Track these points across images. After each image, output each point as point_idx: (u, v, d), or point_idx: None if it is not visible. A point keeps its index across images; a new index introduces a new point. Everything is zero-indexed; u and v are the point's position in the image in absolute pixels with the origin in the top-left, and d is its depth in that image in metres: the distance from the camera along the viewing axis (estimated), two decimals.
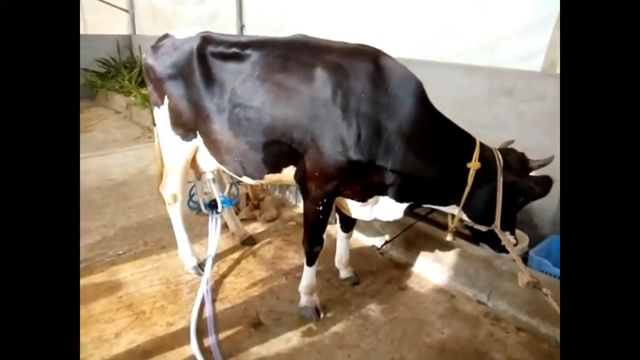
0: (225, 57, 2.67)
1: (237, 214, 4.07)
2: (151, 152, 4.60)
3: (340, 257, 3.31)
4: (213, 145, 2.81)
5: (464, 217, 2.58)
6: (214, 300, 3.03)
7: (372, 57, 2.43)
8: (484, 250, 3.23)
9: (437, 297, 3.20)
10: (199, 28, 2.94)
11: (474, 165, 2.37)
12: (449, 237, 2.69)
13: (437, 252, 3.45)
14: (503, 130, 3.43)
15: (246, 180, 2.92)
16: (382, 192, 2.57)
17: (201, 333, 2.71)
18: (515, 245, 2.60)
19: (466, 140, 2.47)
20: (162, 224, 3.99)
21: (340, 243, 3.28)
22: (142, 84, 8.36)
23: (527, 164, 2.42)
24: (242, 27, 6.84)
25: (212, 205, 3.54)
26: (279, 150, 2.56)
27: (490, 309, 3.07)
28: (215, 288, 3.19)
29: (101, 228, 4.03)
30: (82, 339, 2.63)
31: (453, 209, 2.58)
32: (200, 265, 3.34)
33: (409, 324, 2.90)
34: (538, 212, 3.56)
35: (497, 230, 2.44)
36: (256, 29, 6.59)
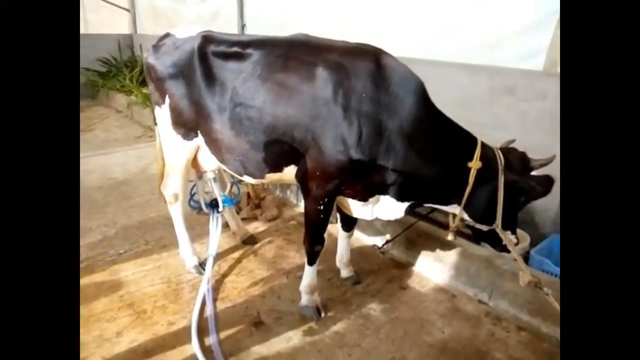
0: (227, 56, 2.67)
1: (238, 213, 4.07)
2: (152, 152, 4.60)
3: (341, 256, 3.31)
4: (214, 144, 2.81)
5: (465, 216, 2.58)
6: (215, 300, 3.03)
7: (373, 56, 2.43)
8: (485, 250, 3.23)
9: (438, 296, 3.20)
10: (200, 27, 2.93)
11: (475, 164, 2.37)
12: (450, 237, 2.69)
13: (438, 252, 3.44)
14: (504, 130, 3.42)
15: (247, 179, 2.92)
16: (383, 191, 2.57)
17: (202, 332, 2.71)
18: (517, 244, 2.59)
19: (467, 140, 2.47)
20: (163, 223, 4.00)
21: (341, 242, 3.29)
22: (143, 83, 8.37)
23: (528, 163, 2.41)
24: (243, 27, 6.84)
25: (213, 204, 3.54)
26: (280, 149, 2.56)
27: (492, 308, 3.07)
28: (216, 287, 3.19)
29: (102, 227, 4.03)
30: (84, 337, 2.64)
31: (454, 209, 2.58)
32: (201, 265, 3.35)
33: (409, 324, 2.90)
34: (539, 211, 3.56)
35: (498, 230, 2.44)
36: (257, 28, 6.59)
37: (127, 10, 10.21)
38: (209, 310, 2.88)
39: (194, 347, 2.58)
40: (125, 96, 8.65)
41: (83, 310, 2.86)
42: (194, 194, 3.86)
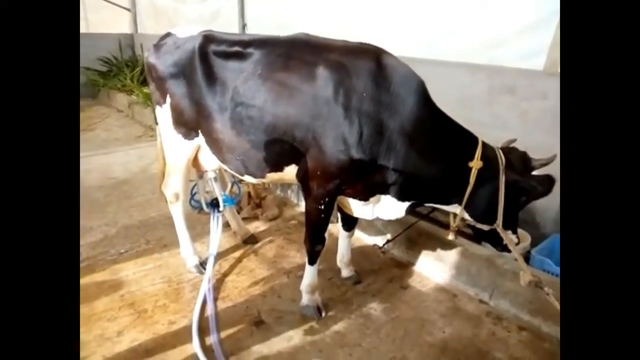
0: (227, 55, 2.67)
1: (238, 212, 4.07)
2: (153, 151, 4.62)
3: (342, 255, 3.31)
4: (215, 144, 2.81)
5: (466, 216, 2.57)
6: (215, 299, 3.03)
7: (374, 55, 2.42)
8: (486, 249, 3.23)
9: (438, 296, 3.20)
10: (201, 27, 2.93)
11: (476, 164, 2.37)
12: (450, 236, 2.69)
13: (439, 251, 3.44)
14: (505, 129, 3.42)
15: (248, 179, 2.92)
16: (384, 191, 2.57)
17: (203, 331, 2.71)
18: (517, 244, 2.59)
19: (468, 139, 2.46)
20: (164, 223, 4.00)
21: (342, 242, 3.29)
22: (144, 82, 8.38)
23: (529, 163, 2.41)
24: (244, 26, 6.84)
25: (214, 204, 3.54)
26: (281, 149, 2.56)
27: (492, 308, 3.07)
28: (217, 287, 3.20)
29: (103, 226, 4.04)
30: (85, 337, 2.64)
31: (455, 208, 2.58)
32: (202, 264, 3.35)
33: (410, 323, 2.90)
34: (540, 211, 3.55)
35: (499, 229, 2.44)
36: (258, 28, 6.59)
37: (128, 9, 10.22)
38: (209, 310, 2.88)
39: (195, 346, 2.58)
40: (126, 96, 8.66)
41: (84, 310, 2.87)
42: (195, 193, 3.86)
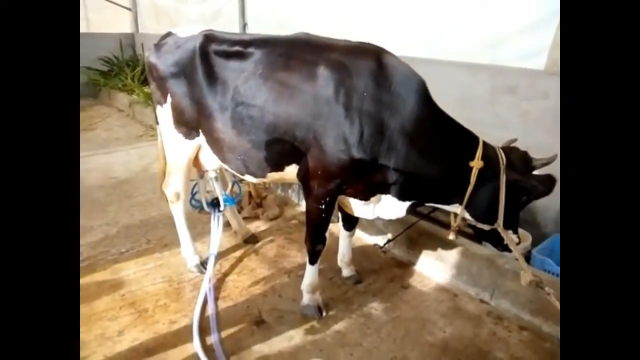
0: (228, 55, 2.67)
1: (239, 212, 4.07)
2: (154, 151, 4.62)
3: (343, 255, 3.31)
4: (216, 143, 2.81)
5: (467, 215, 2.57)
6: (216, 299, 3.03)
7: (374, 55, 2.42)
8: (487, 249, 3.22)
9: (439, 295, 3.20)
10: (202, 26, 2.93)
11: (476, 163, 2.37)
12: (451, 236, 2.69)
13: (440, 251, 3.44)
14: (506, 129, 3.42)
15: (249, 178, 2.92)
16: (385, 190, 2.57)
17: (204, 331, 2.71)
18: (518, 244, 2.58)
19: (469, 139, 2.46)
20: (165, 222, 4.00)
21: (343, 241, 3.29)
22: (144, 82, 8.39)
23: (530, 162, 2.41)
24: (244, 25, 6.85)
25: (215, 203, 3.54)
26: (282, 148, 2.56)
27: (493, 307, 3.07)
28: (218, 286, 3.20)
29: (104, 226, 4.04)
30: (85, 336, 2.65)
31: (456, 208, 2.58)
32: (203, 264, 3.35)
33: (411, 323, 2.90)
34: (541, 210, 3.55)
35: (500, 229, 2.43)
36: (259, 27, 6.59)
37: (129, 9, 10.23)
38: (210, 309, 2.88)
39: (196, 346, 2.58)
40: (127, 95, 8.66)
41: (85, 309, 2.87)
42: (196, 193, 3.87)
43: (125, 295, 3.07)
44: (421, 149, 2.39)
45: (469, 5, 3.93)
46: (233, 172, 3.02)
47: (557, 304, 2.23)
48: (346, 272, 3.34)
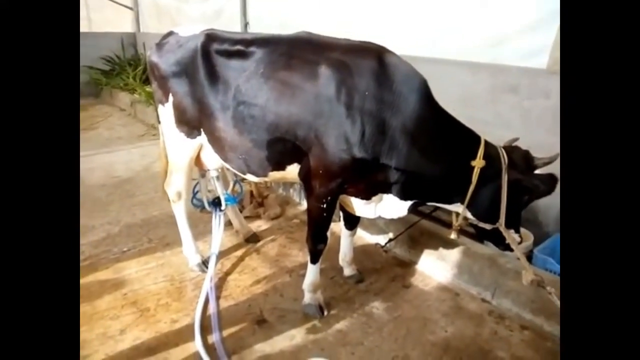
0: (230, 54, 2.67)
1: (241, 211, 4.08)
2: (156, 150, 4.62)
3: (344, 254, 3.31)
4: (217, 142, 2.81)
5: (469, 215, 2.57)
6: (218, 298, 3.04)
7: (376, 54, 2.42)
8: (489, 249, 3.22)
9: (441, 295, 3.20)
10: (204, 25, 2.94)
11: (478, 163, 2.36)
12: (453, 235, 2.69)
13: (441, 250, 3.44)
14: (507, 128, 3.41)
15: (250, 177, 2.92)
16: (386, 189, 2.56)
17: (205, 330, 2.72)
18: (520, 243, 2.58)
19: (471, 138, 2.46)
20: (167, 221, 4.01)
21: (344, 241, 3.29)
22: (146, 81, 8.39)
23: (531, 161, 2.41)
24: (246, 25, 6.85)
25: (216, 202, 3.54)
26: (283, 147, 2.56)
27: (495, 307, 3.06)
28: (219, 285, 3.20)
29: (106, 225, 4.05)
30: (87, 335, 2.65)
31: (457, 207, 2.57)
32: (204, 263, 3.35)
33: (412, 322, 2.90)
34: (543, 210, 3.55)
35: (502, 229, 2.43)
36: (260, 27, 6.59)
37: (130, 8, 10.23)
38: (212, 308, 2.89)
39: (197, 345, 2.59)
40: (129, 94, 8.67)
41: (87, 308, 2.88)
42: (197, 192, 3.87)
43: (127, 294, 3.07)
44: (423, 148, 2.39)
45: (470, 4, 3.92)
46: (234, 171, 3.02)
47: (559, 303, 2.23)
48: (348, 271, 3.34)
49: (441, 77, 2.88)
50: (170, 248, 3.66)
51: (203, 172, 3.51)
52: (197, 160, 3.14)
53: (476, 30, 3.91)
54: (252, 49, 2.63)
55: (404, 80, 2.36)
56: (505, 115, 3.68)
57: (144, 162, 5.80)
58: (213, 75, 2.67)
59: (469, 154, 2.39)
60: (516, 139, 2.62)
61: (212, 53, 2.69)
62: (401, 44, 3.28)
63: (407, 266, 3.56)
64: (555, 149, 2.27)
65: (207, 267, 3.25)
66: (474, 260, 3.27)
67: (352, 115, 2.33)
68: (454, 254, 3.36)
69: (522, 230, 2.75)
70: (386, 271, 3.48)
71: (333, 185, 2.52)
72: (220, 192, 3.49)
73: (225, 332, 2.73)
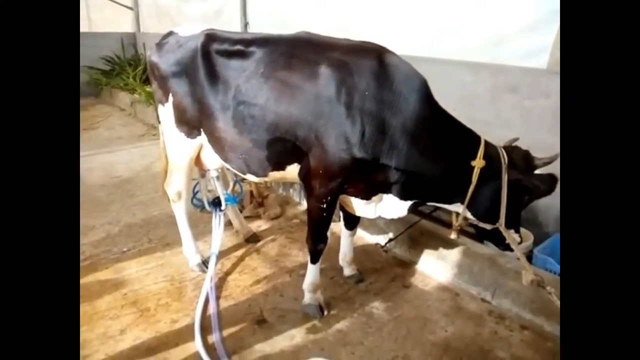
0: (230, 54, 2.67)
1: (241, 211, 4.08)
2: (156, 150, 4.62)
3: (344, 254, 3.31)
4: (217, 142, 2.81)
5: (469, 215, 2.57)
6: (218, 298, 3.04)
7: (376, 54, 2.42)
8: (489, 249, 3.22)
9: (441, 295, 3.20)
10: (203, 25, 2.94)
11: (478, 163, 2.36)
12: (453, 235, 2.69)
13: (441, 250, 3.44)
14: (507, 128, 3.41)
15: (250, 177, 2.92)
16: (386, 189, 2.56)
17: (205, 330, 2.72)
18: (520, 243, 2.59)
19: (471, 138, 2.46)
20: (167, 221, 4.01)
21: (344, 241, 3.29)
22: (146, 81, 8.40)
23: (532, 161, 2.41)
24: (246, 25, 6.85)
25: (216, 202, 3.54)
26: (283, 147, 2.56)
27: (495, 307, 3.06)
28: (219, 285, 3.20)
29: (106, 225, 4.05)
30: (88, 335, 2.65)
31: (457, 207, 2.58)
32: (204, 263, 3.35)
33: (412, 322, 2.90)
34: (543, 210, 3.55)
35: (502, 229, 2.43)
36: (260, 26, 6.59)
37: (131, 8, 10.23)
38: (212, 308, 2.88)
39: (197, 345, 2.59)
40: (129, 94, 8.67)
41: (87, 308, 2.88)
42: (197, 192, 3.87)
43: (127, 294, 3.07)
44: (423, 148, 2.39)
45: (470, 3, 3.92)
46: (234, 171, 3.02)
47: (559, 303, 2.23)
48: (348, 271, 3.34)
49: (441, 77, 2.89)
50: (171, 248, 3.66)
51: (203, 172, 3.51)
52: (197, 160, 3.14)
53: (476, 30, 3.91)
54: (252, 48, 2.63)
55: (404, 80, 2.36)
56: (505, 115, 3.68)
57: (144, 162, 5.80)
58: (213, 75, 2.67)
59: (469, 154, 2.39)
60: (516, 139, 2.62)
61: (212, 53, 2.69)
62: (401, 43, 3.28)
63: (407, 266, 3.56)
64: (556, 149, 2.27)
65: (207, 267, 3.24)
66: (474, 260, 3.27)
67: (352, 115, 2.33)
68: (454, 254, 3.36)
69: (522, 230, 2.75)
70: (386, 271, 3.48)
71: (333, 185, 2.52)
72: (220, 192, 3.49)
73: (226, 332, 2.73)
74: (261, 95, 2.52)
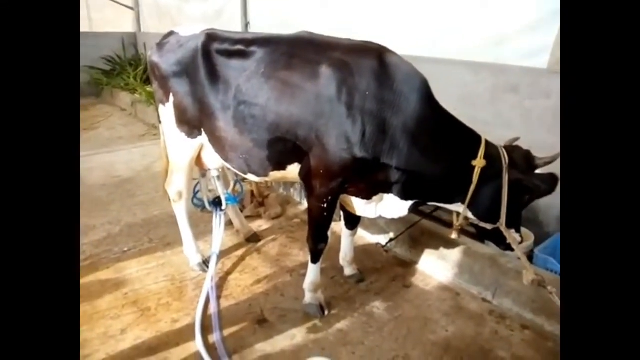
0: (230, 54, 2.67)
1: (241, 211, 4.08)
2: (156, 150, 4.63)
3: (345, 254, 3.31)
4: (218, 142, 2.81)
5: (469, 215, 2.57)
6: (218, 297, 3.04)
7: (377, 54, 2.42)
8: (489, 248, 3.22)
9: (441, 294, 3.20)
10: (204, 25, 2.94)
11: (479, 162, 2.36)
12: (454, 235, 2.69)
13: (442, 250, 3.44)
14: (508, 128, 3.41)
15: (251, 177, 2.92)
16: (387, 189, 2.56)
17: (206, 330, 2.72)
18: (521, 243, 2.58)
19: (471, 138, 2.46)
20: (167, 221, 4.01)
21: (345, 240, 3.29)
22: (147, 81, 8.40)
23: (532, 161, 2.41)
24: (247, 24, 6.85)
25: (217, 202, 3.54)
26: (284, 147, 2.56)
27: (495, 306, 3.06)
28: (220, 285, 3.20)
29: (107, 225, 4.05)
30: (88, 335, 2.66)
31: (458, 207, 2.57)
32: (205, 262, 3.36)
33: (413, 322, 2.90)
34: (544, 209, 3.55)
35: (503, 228, 2.43)
36: (261, 26, 6.60)
37: (131, 8, 10.24)
38: (212, 308, 2.89)
39: (198, 344, 2.59)
40: (130, 94, 8.68)
41: (88, 308, 2.88)
42: (197, 192, 3.87)
43: (128, 294, 3.07)
44: (423, 148, 2.39)
45: (470, 3, 3.92)
46: (235, 171, 3.02)
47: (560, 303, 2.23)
48: (348, 271, 3.34)
49: (442, 76, 2.88)
50: (171, 248, 3.66)
51: (204, 172, 3.51)
52: (198, 160, 3.14)
53: (477, 29, 3.91)
54: (252, 48, 2.63)
55: (404, 79, 2.36)
56: (506, 114, 3.68)
57: (144, 162, 5.80)
58: (214, 75, 2.67)
59: (469, 154, 2.39)
60: (517, 139, 2.62)
61: (213, 53, 2.69)
62: (402, 43, 3.28)
63: (407, 266, 3.56)
64: (556, 148, 2.26)
65: (207, 267, 3.25)
66: (474, 260, 3.27)
67: (353, 114, 2.33)
68: (455, 254, 3.36)
69: (523, 229, 2.75)
70: (387, 271, 3.48)
71: (334, 185, 2.52)
72: (221, 191, 3.49)
73: (226, 332, 2.73)
74: (262, 95, 2.52)
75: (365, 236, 3.95)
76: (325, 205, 2.59)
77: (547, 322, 2.84)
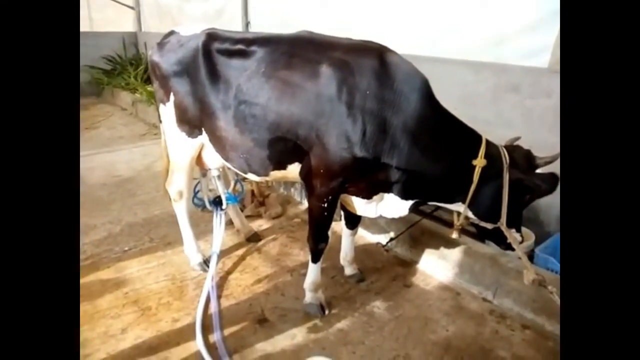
0: (231, 53, 2.67)
1: (242, 210, 4.08)
2: (157, 149, 4.63)
3: (345, 254, 3.31)
4: (218, 142, 2.81)
5: (470, 214, 2.57)
6: (219, 297, 3.04)
7: (377, 53, 2.42)
8: (490, 248, 3.22)
9: (442, 294, 3.20)
10: (205, 25, 2.94)
11: (479, 162, 2.36)
12: (454, 235, 2.69)
13: (443, 250, 3.44)
14: (509, 127, 3.41)
15: (251, 177, 2.92)
16: (387, 189, 2.56)
17: (206, 329, 2.72)
18: (521, 242, 2.58)
19: (472, 137, 2.46)
20: (168, 221, 4.01)
21: (345, 240, 3.29)
22: (147, 81, 8.39)
23: (533, 161, 2.41)
24: (247, 24, 6.85)
25: (217, 202, 3.54)
26: (284, 147, 2.56)
27: (496, 306, 3.06)
28: (221, 284, 3.20)
29: (107, 224, 4.05)
30: (89, 334, 2.66)
31: (459, 207, 2.57)
32: (206, 262, 3.36)
33: (413, 321, 2.90)
34: (544, 209, 3.54)
35: (503, 228, 2.43)
36: (261, 26, 6.60)
37: (132, 8, 10.24)
38: (213, 308, 2.89)
39: (198, 344, 2.59)
40: (130, 94, 8.68)
41: (88, 307, 2.88)
42: (198, 191, 3.87)
43: (129, 293, 3.07)
44: (424, 148, 2.38)
45: (471, 3, 3.92)
46: (236, 170, 3.02)
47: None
48: (349, 270, 3.34)
49: (442, 76, 2.88)
50: (172, 247, 3.66)
51: (204, 172, 3.51)
52: (199, 160, 3.14)
53: (477, 29, 3.90)
54: (253, 48, 2.63)
55: (405, 79, 2.36)
56: (507, 114, 3.68)
57: (145, 162, 5.80)
58: (214, 75, 2.67)
59: (470, 153, 2.39)
60: (518, 138, 2.62)
61: (213, 52, 2.69)
62: (402, 43, 3.28)
63: (408, 265, 3.56)
64: (557, 148, 2.25)
65: (208, 266, 3.25)
66: (475, 259, 3.27)
67: (354, 114, 2.33)
68: (455, 254, 3.36)
69: (524, 229, 2.74)
70: (387, 270, 3.48)
71: (334, 185, 2.52)
72: (221, 191, 3.49)
73: (227, 331, 2.73)
74: (262, 94, 2.52)
75: (365, 236, 3.95)
76: (326, 205, 2.59)
77: (548, 321, 2.84)
